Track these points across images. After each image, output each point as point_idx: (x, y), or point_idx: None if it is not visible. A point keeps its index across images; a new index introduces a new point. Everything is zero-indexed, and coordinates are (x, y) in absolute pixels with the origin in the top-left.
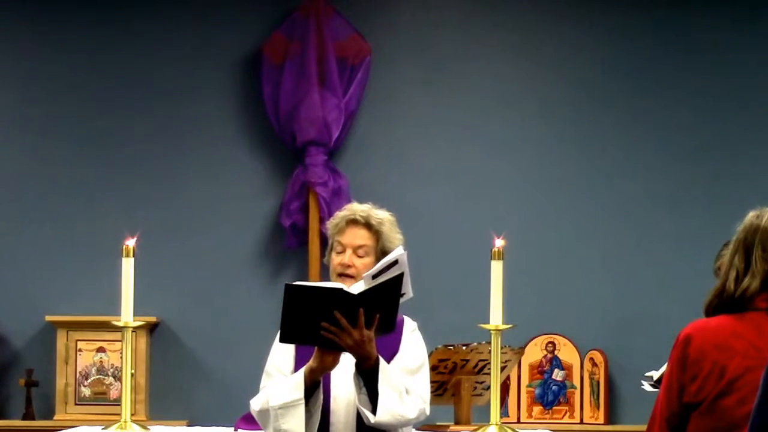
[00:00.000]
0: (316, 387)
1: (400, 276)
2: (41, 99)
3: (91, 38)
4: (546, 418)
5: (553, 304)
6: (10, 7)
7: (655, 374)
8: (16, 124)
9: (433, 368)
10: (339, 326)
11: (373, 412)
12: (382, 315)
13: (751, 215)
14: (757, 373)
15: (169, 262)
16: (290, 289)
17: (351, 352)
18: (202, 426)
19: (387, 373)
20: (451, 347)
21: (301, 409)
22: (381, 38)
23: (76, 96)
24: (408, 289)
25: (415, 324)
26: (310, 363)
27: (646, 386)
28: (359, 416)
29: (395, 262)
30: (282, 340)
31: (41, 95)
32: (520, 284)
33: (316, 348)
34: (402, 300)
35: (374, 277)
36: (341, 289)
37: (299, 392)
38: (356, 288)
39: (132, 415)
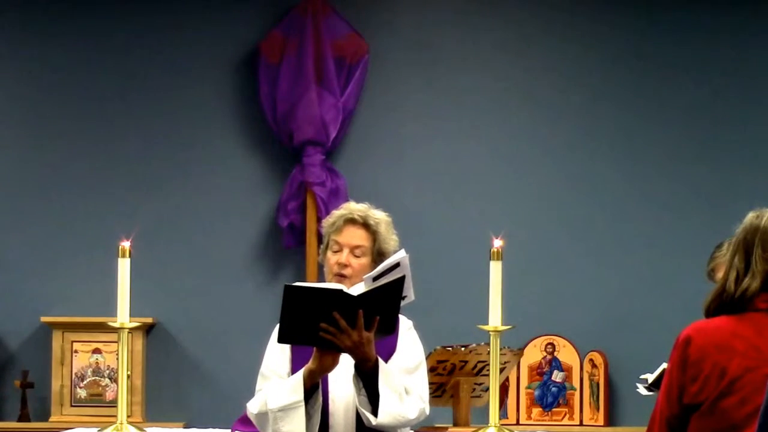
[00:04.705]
0: (315, 389)
1: (402, 279)
2: (37, 99)
3: (87, 37)
4: (545, 420)
5: (553, 305)
6: (7, 8)
7: (650, 377)
8: (10, 125)
9: (432, 369)
10: (338, 327)
11: (374, 413)
12: (383, 317)
13: (750, 215)
14: (758, 373)
15: (165, 263)
16: (289, 290)
17: (350, 354)
18: (199, 428)
19: (387, 374)
20: (450, 348)
21: (301, 411)
22: (379, 37)
23: (72, 95)
24: (410, 293)
25: (411, 323)
26: (309, 365)
27: (641, 389)
28: (359, 417)
29: (397, 265)
30: (280, 341)
31: (36, 95)
32: (519, 285)
33: (315, 349)
34: (403, 303)
35: (375, 279)
36: (341, 291)
37: (299, 394)
38: (356, 290)
39: (128, 416)
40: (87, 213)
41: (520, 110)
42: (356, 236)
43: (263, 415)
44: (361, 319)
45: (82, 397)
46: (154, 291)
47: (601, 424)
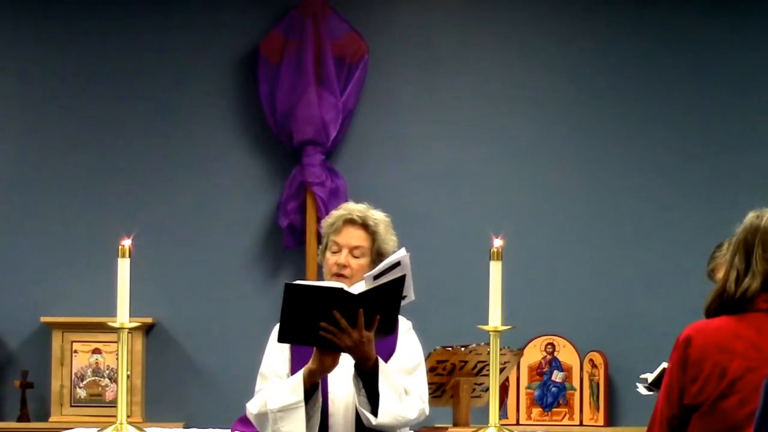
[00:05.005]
0: (315, 389)
1: (402, 278)
2: (36, 99)
3: (87, 37)
4: (545, 420)
5: (553, 305)
6: (8, 7)
7: (650, 376)
8: (10, 124)
9: (432, 370)
10: (338, 326)
11: (373, 413)
12: (383, 317)
13: (751, 215)
14: (758, 373)
15: (165, 263)
16: (290, 288)
17: (350, 353)
18: (199, 428)
19: (387, 374)
20: (450, 348)
21: (302, 411)
22: (378, 37)
23: (71, 95)
24: (410, 292)
25: (409, 323)
26: (309, 365)
27: (641, 389)
28: (359, 417)
29: (397, 264)
30: (280, 340)
31: (37, 95)
32: (519, 285)
33: (315, 349)
34: (403, 303)
35: (375, 278)
36: (341, 289)
37: (299, 395)
38: (357, 288)
39: (128, 417)
40: (87, 213)
41: (520, 110)
42: (355, 237)
43: (263, 416)
44: (362, 318)
45: (82, 397)
46: (154, 291)
47: (601, 424)
